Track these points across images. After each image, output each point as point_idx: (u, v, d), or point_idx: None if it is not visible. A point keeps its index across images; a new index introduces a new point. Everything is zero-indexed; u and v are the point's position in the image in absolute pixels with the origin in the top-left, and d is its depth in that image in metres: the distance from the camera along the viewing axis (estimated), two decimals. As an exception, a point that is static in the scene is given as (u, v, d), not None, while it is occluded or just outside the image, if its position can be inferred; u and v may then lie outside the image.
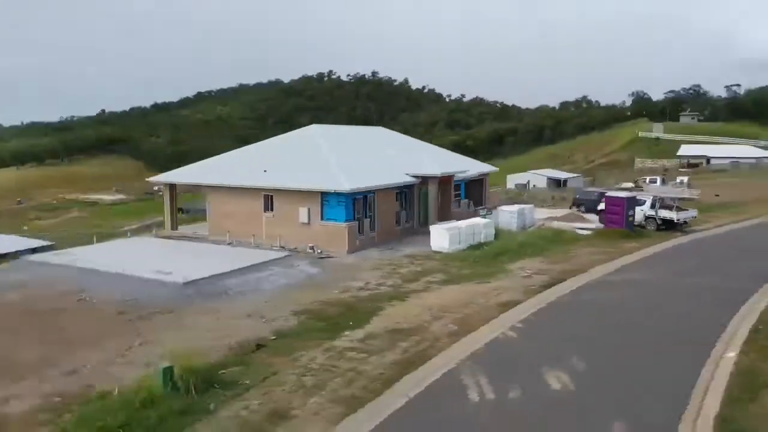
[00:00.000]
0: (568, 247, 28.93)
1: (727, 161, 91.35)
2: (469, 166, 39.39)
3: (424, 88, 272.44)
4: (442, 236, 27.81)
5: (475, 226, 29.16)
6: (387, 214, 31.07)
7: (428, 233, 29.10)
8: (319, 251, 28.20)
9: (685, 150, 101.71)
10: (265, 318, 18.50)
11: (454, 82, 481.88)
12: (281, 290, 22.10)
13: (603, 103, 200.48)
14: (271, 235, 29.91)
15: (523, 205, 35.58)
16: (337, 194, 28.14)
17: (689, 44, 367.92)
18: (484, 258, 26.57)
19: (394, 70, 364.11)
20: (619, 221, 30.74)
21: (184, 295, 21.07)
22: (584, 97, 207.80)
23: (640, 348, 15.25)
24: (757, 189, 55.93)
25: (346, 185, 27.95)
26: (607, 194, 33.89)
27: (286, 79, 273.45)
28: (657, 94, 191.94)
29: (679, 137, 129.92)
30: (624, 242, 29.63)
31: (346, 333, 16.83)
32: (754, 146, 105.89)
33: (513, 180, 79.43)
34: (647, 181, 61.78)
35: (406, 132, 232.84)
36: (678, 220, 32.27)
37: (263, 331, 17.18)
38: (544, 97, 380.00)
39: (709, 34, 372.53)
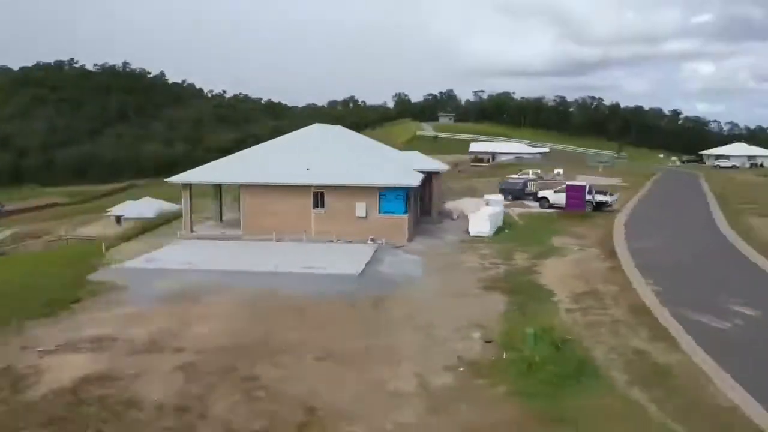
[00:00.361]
0: (558, 226, 36.32)
1: (511, 157, 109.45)
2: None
3: (183, 82, 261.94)
4: (482, 223, 32.90)
5: (498, 214, 34.81)
6: (415, 208, 34.95)
7: (432, 224, 33.88)
8: (380, 242, 31.11)
9: (474, 147, 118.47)
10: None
11: (214, 78, 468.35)
12: (435, 273, 25.31)
13: (369, 103, 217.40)
14: (321, 231, 31.70)
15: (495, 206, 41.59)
16: (395, 189, 31.37)
17: (432, 52, 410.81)
18: (524, 239, 32.49)
19: (146, 61, 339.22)
20: (580, 204, 39.27)
21: (371, 284, 23.12)
22: (352, 97, 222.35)
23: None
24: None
25: (404, 180, 31.39)
26: (567, 183, 42.29)
27: (14, 66, 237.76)
28: (416, 96, 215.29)
29: (448, 135, 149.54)
30: (594, 218, 38.24)
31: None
32: (527, 144, 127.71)
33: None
34: (555, 172, 72.87)
35: (173, 129, 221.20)
36: (609, 203, 42.00)
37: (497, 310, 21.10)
38: (312, 96, 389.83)
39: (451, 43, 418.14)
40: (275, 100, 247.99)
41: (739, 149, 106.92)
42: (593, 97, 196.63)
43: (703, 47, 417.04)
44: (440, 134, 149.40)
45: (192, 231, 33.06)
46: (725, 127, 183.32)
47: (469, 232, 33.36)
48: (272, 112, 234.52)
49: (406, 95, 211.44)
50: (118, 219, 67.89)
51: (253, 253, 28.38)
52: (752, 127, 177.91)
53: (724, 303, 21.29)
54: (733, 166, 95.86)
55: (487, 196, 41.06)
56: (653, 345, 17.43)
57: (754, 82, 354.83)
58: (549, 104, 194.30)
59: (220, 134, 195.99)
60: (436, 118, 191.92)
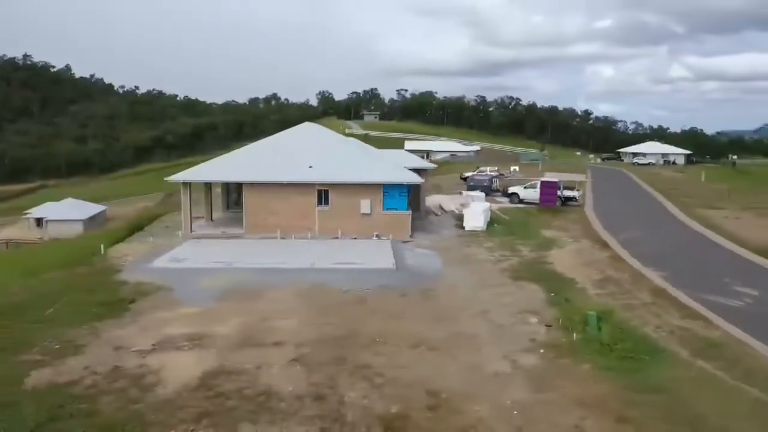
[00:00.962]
0: (540, 221, 38.59)
1: (446, 155, 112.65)
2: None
3: (92, 77, 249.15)
4: (477, 218, 34.52)
5: (488, 210, 36.53)
6: (412, 205, 36.05)
7: (421, 220, 35.34)
8: (384, 237, 32.05)
9: (409, 146, 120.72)
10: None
11: (124, 73, 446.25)
12: (455, 266, 26.59)
13: (292, 101, 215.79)
14: (325, 228, 32.24)
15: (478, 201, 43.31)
16: (399, 186, 32.40)
17: (353, 51, 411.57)
18: (516, 232, 34.39)
19: (49, 54, 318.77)
20: (553, 200, 41.77)
21: (408, 277, 24.09)
22: (274, 95, 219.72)
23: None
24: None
25: (407, 177, 32.49)
26: (542, 180, 44.63)
27: None
28: (340, 95, 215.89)
29: (379, 134, 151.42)
30: (565, 212, 40.75)
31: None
32: (459, 143, 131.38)
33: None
34: (511, 169, 75.49)
35: (84, 126, 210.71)
36: (576, 198, 44.81)
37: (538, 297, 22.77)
38: (231, 93, 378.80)
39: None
40: (192, 96, 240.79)
41: (653, 147, 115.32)
42: (511, 97, 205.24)
43: (605, 51, 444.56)
44: (370, 132, 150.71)
45: (191, 231, 32.62)
46: (631, 127, 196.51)
47: (464, 227, 34.88)
48: (190, 109, 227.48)
49: (329, 93, 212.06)
50: (39, 221, 64.70)
51: (274, 250, 28.56)
52: (655, 126, 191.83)
53: (727, 285, 23.96)
54: (650, 163, 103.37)
55: (466, 193, 42.85)
56: (691, 323, 19.55)
57: (651, 85, 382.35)
58: (470, 104, 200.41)
59: (137, 131, 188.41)
60: (361, 117, 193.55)
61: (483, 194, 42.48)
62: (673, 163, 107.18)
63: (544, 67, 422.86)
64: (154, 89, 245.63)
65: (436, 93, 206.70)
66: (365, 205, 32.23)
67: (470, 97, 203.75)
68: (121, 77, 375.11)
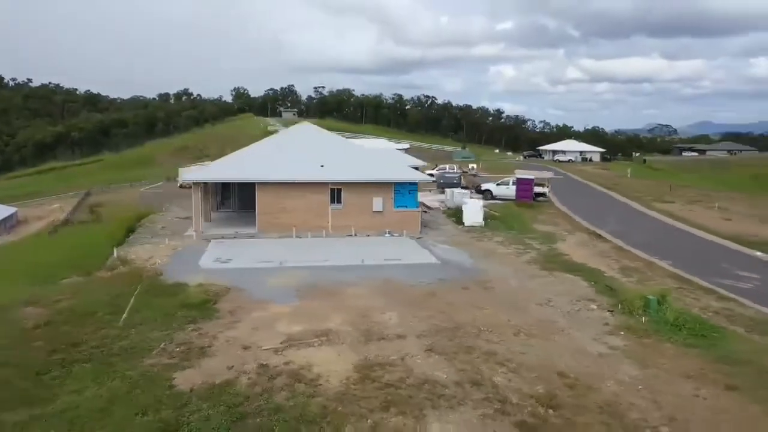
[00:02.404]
0: (525, 216, 40.92)
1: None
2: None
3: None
4: (477, 214, 36.21)
5: (483, 206, 38.35)
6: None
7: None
8: (396, 234, 33.08)
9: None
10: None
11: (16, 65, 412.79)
12: (484, 259, 28.09)
13: (205, 97, 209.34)
14: (338, 226, 32.79)
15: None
16: (410, 184, 33.50)
17: (266, 47, 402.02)
18: (513, 227, 36.43)
19: None
20: (528, 195, 44.31)
21: (455, 270, 25.31)
22: (186, 90, 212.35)
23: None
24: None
25: (416, 176, 33.68)
26: (518, 177, 46.87)
27: None
28: (256, 91, 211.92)
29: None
30: (538, 207, 43.34)
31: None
32: (388, 141, 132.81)
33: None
34: (470, 167, 77.44)
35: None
36: (546, 194, 47.59)
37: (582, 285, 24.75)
38: (138, 88, 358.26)
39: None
40: (94, 91, 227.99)
41: (571, 145, 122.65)
42: (427, 96, 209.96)
43: (507, 52, 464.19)
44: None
45: (202, 231, 32.12)
46: (539, 126, 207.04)
47: (463, 223, 36.49)
48: (92, 104, 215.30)
49: (245, 89, 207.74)
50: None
51: (305, 249, 28.88)
52: (561, 125, 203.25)
53: (730, 270, 27.05)
54: (570, 161, 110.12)
55: (449, 190, 44.52)
56: (726, 303, 22.16)
57: (549, 85, 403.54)
58: (388, 102, 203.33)
59: (35, 128, 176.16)
60: (279, 114, 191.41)
61: (468, 192, 44.38)
62: (590, 160, 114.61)
63: (450, 67, 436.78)
64: (50, 82, 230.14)
65: (353, 90, 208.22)
66: (378, 203, 33.07)
67: (387, 95, 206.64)
68: (11, 69, 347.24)
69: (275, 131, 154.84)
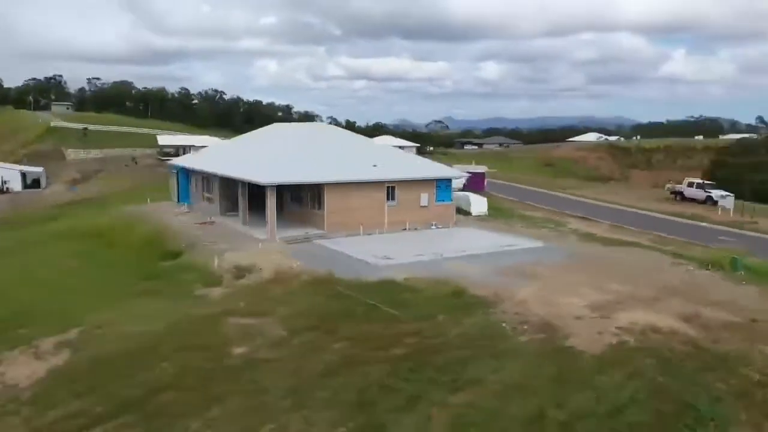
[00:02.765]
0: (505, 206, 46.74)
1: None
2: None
3: None
4: (482, 205, 41.08)
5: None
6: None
7: None
8: (440, 226, 36.41)
9: (162, 140, 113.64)
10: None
11: None
12: (544, 240, 33.10)
13: None
14: (392, 222, 35.01)
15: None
16: (447, 180, 37.03)
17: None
18: (512, 214, 41.99)
19: None
20: (481, 186, 50.23)
21: (556, 251, 29.83)
22: None
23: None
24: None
25: (451, 173, 37.53)
26: (471, 171, 51.74)
27: None
28: (12, 81, 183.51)
29: (100, 128, 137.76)
30: (491, 197, 49.65)
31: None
32: (214, 137, 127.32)
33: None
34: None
35: None
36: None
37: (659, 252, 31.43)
38: None
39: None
40: None
41: (387, 141, 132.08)
42: (216, 90, 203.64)
43: (270, 47, 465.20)
44: (90, 126, 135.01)
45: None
46: (327, 121, 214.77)
47: (470, 213, 41.02)
48: None
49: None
50: None
51: (401, 243, 31.36)
52: (351, 120, 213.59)
53: (714, 235, 36.15)
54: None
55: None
56: (757, 260, 30.45)
57: (311, 81, 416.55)
58: (174, 95, 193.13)
59: None
60: (47, 107, 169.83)
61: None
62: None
63: (212, 59, 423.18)
64: None
65: (132, 83, 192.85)
66: (425, 198, 35.95)
67: (171, 89, 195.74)
68: None
69: (65, 128, 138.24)
